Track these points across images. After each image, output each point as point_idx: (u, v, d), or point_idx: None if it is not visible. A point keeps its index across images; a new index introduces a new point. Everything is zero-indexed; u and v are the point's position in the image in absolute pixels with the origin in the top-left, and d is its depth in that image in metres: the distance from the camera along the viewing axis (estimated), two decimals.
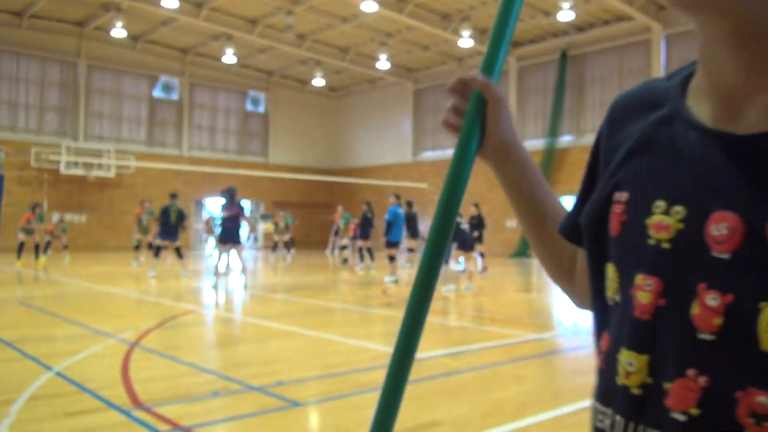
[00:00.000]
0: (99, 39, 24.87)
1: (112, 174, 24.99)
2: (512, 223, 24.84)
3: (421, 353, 5.40)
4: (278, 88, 31.02)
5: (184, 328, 6.76)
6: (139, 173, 25.48)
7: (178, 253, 12.94)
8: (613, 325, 0.68)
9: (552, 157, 23.65)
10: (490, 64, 0.86)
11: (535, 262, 21.12)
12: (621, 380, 0.65)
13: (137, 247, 17.11)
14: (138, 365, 4.74)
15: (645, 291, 0.63)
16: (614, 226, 0.69)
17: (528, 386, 4.28)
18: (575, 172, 23.27)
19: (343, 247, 18.50)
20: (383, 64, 25.39)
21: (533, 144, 24.66)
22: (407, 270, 15.81)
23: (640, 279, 0.64)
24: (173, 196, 13.08)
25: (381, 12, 20.76)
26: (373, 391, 4.08)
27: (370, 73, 28.26)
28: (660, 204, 0.64)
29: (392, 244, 12.93)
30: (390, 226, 12.88)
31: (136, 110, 26.37)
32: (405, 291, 11.08)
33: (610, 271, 0.69)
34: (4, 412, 3.49)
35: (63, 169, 23.53)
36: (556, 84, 23.74)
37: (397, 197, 13.20)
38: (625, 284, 0.66)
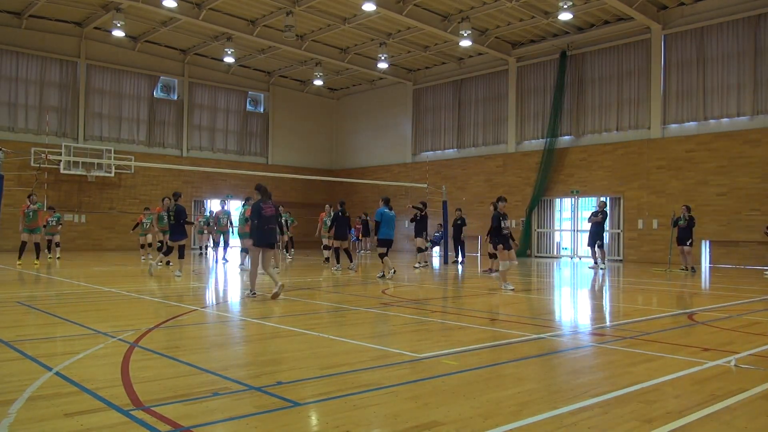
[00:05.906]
0: (99, 39, 24.89)
1: (112, 174, 25.02)
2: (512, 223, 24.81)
3: (421, 353, 5.40)
4: (278, 88, 31.03)
5: (184, 328, 6.76)
6: (139, 173, 25.49)
7: (180, 252, 13.15)
8: None
9: (552, 157, 23.64)
10: None
11: (535, 262, 21.08)
12: None
13: (160, 248, 17.50)
14: (138, 365, 4.73)
15: None
16: None
17: (528, 386, 4.28)
18: (575, 172, 23.26)
19: (326, 247, 18.25)
20: (383, 64, 25.38)
21: (533, 144, 24.65)
22: (418, 271, 15.73)
23: None
24: (174, 195, 13.30)
25: (381, 12, 20.76)
26: (373, 391, 4.08)
27: (370, 73, 28.25)
28: None
29: (381, 242, 13.79)
30: (377, 226, 13.74)
31: (136, 110, 26.38)
32: (405, 291, 11.06)
33: None
34: (3, 412, 3.49)
35: (63, 169, 23.55)
36: (556, 84, 23.73)
37: (384, 201, 13.89)
38: None
